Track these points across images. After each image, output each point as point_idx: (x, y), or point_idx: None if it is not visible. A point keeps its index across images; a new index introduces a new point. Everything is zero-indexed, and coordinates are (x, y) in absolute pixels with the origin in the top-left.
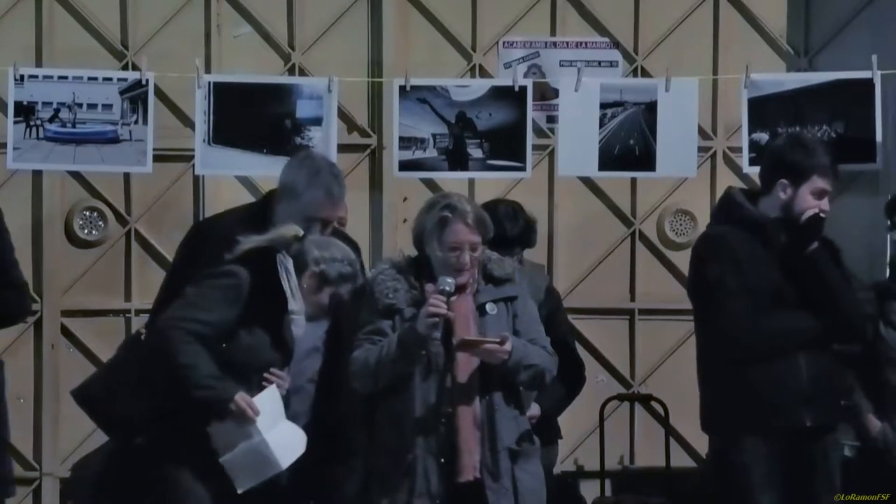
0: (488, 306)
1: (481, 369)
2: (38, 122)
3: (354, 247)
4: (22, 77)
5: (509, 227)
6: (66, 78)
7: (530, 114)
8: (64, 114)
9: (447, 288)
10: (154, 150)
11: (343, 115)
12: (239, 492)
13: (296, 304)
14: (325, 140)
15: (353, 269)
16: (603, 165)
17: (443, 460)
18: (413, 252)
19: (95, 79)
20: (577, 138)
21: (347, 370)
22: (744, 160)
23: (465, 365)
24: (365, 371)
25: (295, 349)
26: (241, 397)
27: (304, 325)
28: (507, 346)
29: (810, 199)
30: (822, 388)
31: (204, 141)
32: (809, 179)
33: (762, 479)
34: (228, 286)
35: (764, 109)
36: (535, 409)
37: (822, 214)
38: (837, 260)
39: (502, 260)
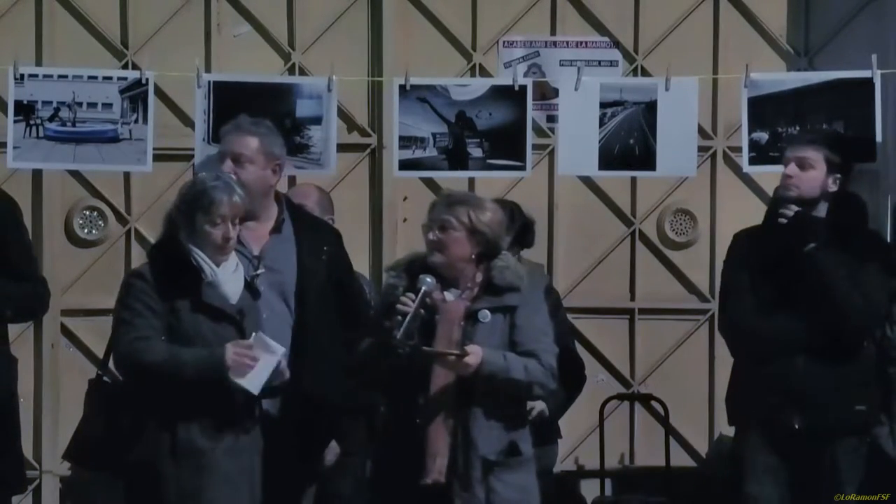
0: (480, 314)
1: (460, 377)
2: (38, 121)
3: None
4: (22, 76)
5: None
6: (66, 77)
7: (530, 113)
8: (64, 113)
9: (423, 287)
10: (154, 149)
11: (343, 115)
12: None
13: (209, 268)
14: (325, 139)
15: (225, 180)
16: (603, 165)
17: (412, 463)
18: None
19: (95, 78)
20: (577, 138)
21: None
22: (744, 160)
23: (443, 370)
24: (356, 366)
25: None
26: (230, 348)
27: (239, 280)
28: (471, 360)
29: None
30: (821, 392)
31: (204, 140)
32: (784, 158)
33: (755, 471)
34: (141, 289)
35: (764, 109)
36: (539, 405)
37: (790, 179)
38: (888, 253)
39: (508, 267)
